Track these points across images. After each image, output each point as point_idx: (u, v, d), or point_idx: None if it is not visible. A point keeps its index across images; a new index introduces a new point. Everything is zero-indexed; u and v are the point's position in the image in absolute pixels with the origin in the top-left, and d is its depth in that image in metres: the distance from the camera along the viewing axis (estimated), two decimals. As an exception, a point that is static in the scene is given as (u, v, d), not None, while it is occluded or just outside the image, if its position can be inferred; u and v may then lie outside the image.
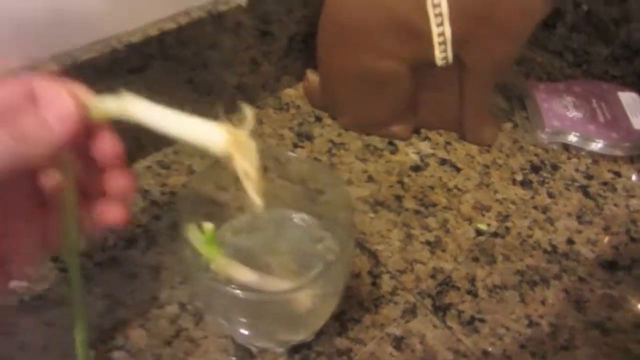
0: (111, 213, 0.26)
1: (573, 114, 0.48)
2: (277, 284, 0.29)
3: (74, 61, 0.37)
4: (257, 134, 0.48)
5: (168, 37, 0.40)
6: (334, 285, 0.31)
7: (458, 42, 0.39)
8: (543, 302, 0.38)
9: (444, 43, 0.39)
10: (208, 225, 0.29)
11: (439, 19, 0.37)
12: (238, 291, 0.27)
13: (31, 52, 0.37)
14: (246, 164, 0.24)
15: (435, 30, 0.38)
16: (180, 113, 0.25)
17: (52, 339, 0.34)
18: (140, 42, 0.39)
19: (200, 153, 0.46)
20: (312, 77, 0.48)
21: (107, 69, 0.39)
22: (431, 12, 0.37)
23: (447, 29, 0.38)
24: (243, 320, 0.31)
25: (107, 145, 0.25)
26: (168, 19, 0.41)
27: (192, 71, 0.44)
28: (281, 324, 0.31)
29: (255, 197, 0.25)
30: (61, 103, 0.22)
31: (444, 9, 0.37)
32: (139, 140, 0.45)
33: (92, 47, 0.38)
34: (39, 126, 0.22)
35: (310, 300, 0.29)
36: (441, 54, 0.40)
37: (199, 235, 0.29)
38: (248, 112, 0.25)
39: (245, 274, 0.29)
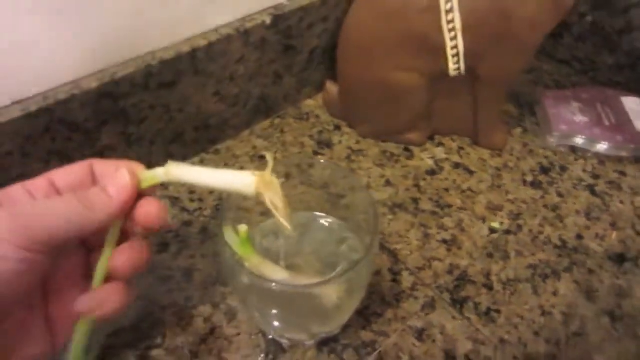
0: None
1: (580, 118, 0.50)
2: (305, 280, 0.32)
3: (112, 77, 0.41)
4: (280, 142, 0.51)
5: (199, 53, 0.43)
6: (359, 281, 0.33)
7: (471, 54, 0.41)
8: (555, 293, 0.40)
9: (457, 55, 0.41)
10: (243, 227, 0.32)
11: (452, 33, 0.40)
12: (273, 284, 0.30)
13: (76, 70, 0.40)
14: (274, 198, 0.28)
15: (449, 44, 0.41)
16: (213, 169, 0.29)
17: (91, 341, 0.36)
18: (173, 59, 0.43)
19: (225, 162, 0.50)
20: (332, 87, 0.51)
21: (142, 84, 0.42)
22: (445, 27, 0.40)
23: (460, 43, 0.40)
24: (276, 313, 0.33)
25: (153, 208, 0.28)
26: (199, 36, 0.44)
27: (219, 84, 0.47)
28: (311, 317, 0.33)
29: (284, 223, 0.29)
30: (119, 177, 0.27)
31: (457, 23, 0.39)
32: (168, 150, 0.48)
33: (129, 64, 0.42)
34: (103, 196, 0.26)
35: (338, 295, 0.32)
36: (454, 65, 0.42)
37: (234, 237, 0.32)
38: (268, 157, 0.28)
39: (276, 271, 0.32)
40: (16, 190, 0.27)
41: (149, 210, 0.28)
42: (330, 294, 0.31)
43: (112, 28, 0.40)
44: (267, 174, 0.29)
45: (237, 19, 0.45)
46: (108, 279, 0.28)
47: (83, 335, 0.28)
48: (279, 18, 0.46)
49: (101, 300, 0.27)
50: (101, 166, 0.29)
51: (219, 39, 0.43)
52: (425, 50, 0.41)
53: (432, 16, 0.39)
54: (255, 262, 0.32)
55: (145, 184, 0.29)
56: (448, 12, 0.39)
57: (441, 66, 0.43)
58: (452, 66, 0.42)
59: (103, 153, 0.44)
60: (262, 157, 0.38)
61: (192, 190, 0.47)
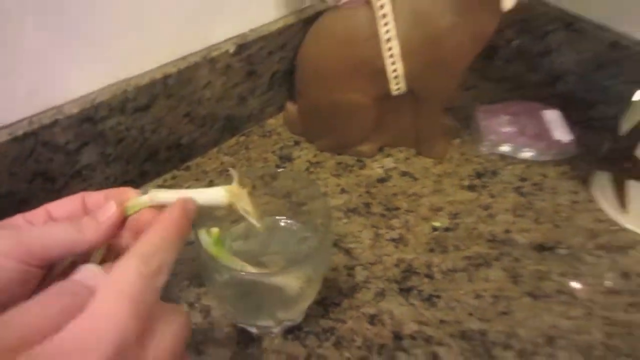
0: None
1: (507, 129, 0.58)
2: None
3: (92, 103, 0.45)
4: (245, 158, 0.57)
5: (170, 79, 0.49)
6: (316, 272, 0.39)
7: (409, 76, 0.48)
8: (486, 280, 0.46)
9: (397, 77, 0.48)
10: (214, 229, 0.37)
11: (392, 59, 0.47)
12: (243, 273, 0.35)
13: (57, 95, 0.44)
14: (244, 205, 0.33)
15: (390, 68, 0.47)
16: (189, 189, 0.33)
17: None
18: (147, 84, 0.48)
19: (195, 177, 0.54)
20: (291, 107, 0.57)
21: (119, 108, 0.47)
22: (386, 53, 0.46)
23: (400, 66, 0.47)
24: (246, 303, 0.39)
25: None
26: (170, 64, 0.49)
27: (189, 107, 0.52)
28: (277, 304, 0.39)
29: (255, 223, 0.34)
30: (107, 207, 0.30)
31: (396, 50, 0.46)
32: (142, 168, 0.52)
33: (106, 90, 0.46)
34: (93, 222, 0.29)
35: (299, 284, 0.38)
36: (396, 86, 0.49)
37: (208, 239, 0.37)
38: (233, 172, 0.33)
39: (245, 267, 0.37)
40: (17, 219, 0.30)
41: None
42: (293, 284, 0.37)
43: (90, 58, 0.45)
44: (235, 186, 0.34)
45: (203, 48, 0.51)
46: None
47: None
48: (242, 47, 0.52)
49: None
50: (92, 198, 0.32)
51: (187, 67, 0.49)
52: (371, 73, 0.48)
53: (375, 44, 0.46)
54: (226, 260, 0.37)
55: (131, 211, 0.32)
56: (387, 40, 0.45)
57: (385, 87, 0.49)
58: (393, 87, 0.49)
59: (81, 172, 0.48)
60: (228, 172, 0.43)
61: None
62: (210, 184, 0.34)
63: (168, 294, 0.44)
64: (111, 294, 0.23)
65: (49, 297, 0.24)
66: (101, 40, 0.44)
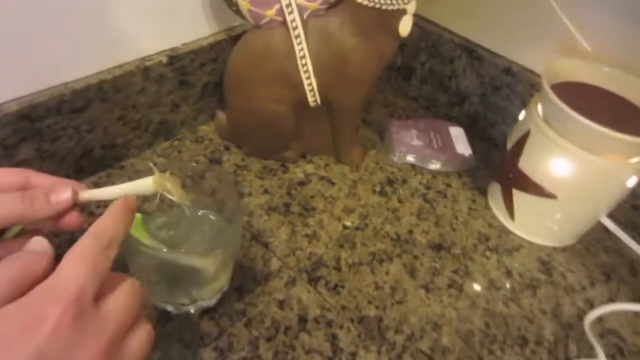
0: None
1: (415, 142, 0.65)
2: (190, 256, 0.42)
3: (30, 103, 0.49)
4: (177, 160, 0.61)
5: (105, 84, 0.53)
6: (227, 255, 0.44)
7: (322, 89, 0.54)
8: (387, 273, 0.52)
9: (312, 90, 0.54)
10: (138, 215, 0.41)
11: (307, 74, 0.53)
12: (164, 250, 0.40)
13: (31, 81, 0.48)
14: (170, 190, 0.38)
15: (305, 82, 0.53)
16: (119, 185, 0.37)
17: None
18: (82, 88, 0.52)
19: (129, 175, 0.58)
20: (221, 115, 0.62)
21: (56, 108, 0.51)
22: (301, 68, 0.52)
23: (314, 80, 0.53)
24: (166, 282, 0.43)
25: (74, 218, 0.35)
26: (105, 71, 0.53)
27: (123, 110, 0.56)
28: (194, 283, 0.43)
29: (180, 201, 0.39)
30: (63, 191, 0.34)
31: (309, 66, 0.52)
32: (78, 164, 0.56)
33: (44, 92, 0.50)
34: (44, 201, 0.33)
35: (214, 267, 0.43)
36: (312, 98, 0.55)
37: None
38: (152, 166, 0.38)
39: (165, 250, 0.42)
40: None
41: (71, 219, 0.35)
42: (208, 265, 0.42)
43: (30, 63, 0.48)
44: (157, 175, 0.38)
45: (138, 58, 0.55)
46: None
47: None
48: (174, 58, 0.57)
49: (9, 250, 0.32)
50: (39, 179, 0.35)
51: (122, 74, 0.53)
52: (289, 85, 0.54)
53: (291, 60, 0.52)
54: (148, 243, 0.41)
55: (80, 201, 0.35)
56: (302, 57, 0.51)
57: (302, 98, 0.55)
58: (310, 99, 0.55)
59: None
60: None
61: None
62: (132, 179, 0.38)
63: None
64: (73, 258, 0.28)
65: (2, 267, 0.28)
66: (40, 46, 0.48)
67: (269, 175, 0.61)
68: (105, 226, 0.31)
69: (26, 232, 0.35)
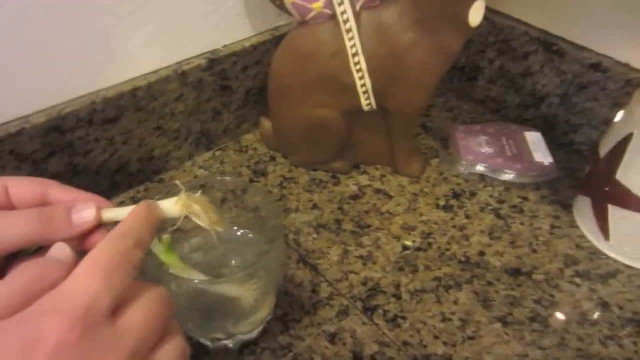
0: None
1: (485, 150, 0.57)
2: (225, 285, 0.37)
3: (59, 113, 0.45)
4: (220, 172, 0.56)
5: (139, 91, 0.49)
6: (270, 283, 0.38)
7: (378, 92, 0.48)
8: (456, 302, 0.45)
9: (367, 92, 0.48)
10: (166, 236, 0.36)
11: (360, 74, 0.46)
12: (196, 281, 0.34)
13: (23, 105, 0.45)
14: (199, 213, 0.32)
15: (358, 83, 0.47)
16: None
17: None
18: (115, 97, 0.48)
19: (167, 192, 0.54)
20: (266, 123, 0.57)
21: (87, 119, 0.47)
22: (353, 68, 0.46)
23: (368, 81, 0.47)
24: (199, 315, 0.38)
25: (101, 238, 0.30)
26: (140, 77, 0.49)
27: (160, 119, 0.52)
28: (231, 316, 0.38)
29: (213, 228, 0.33)
30: (86, 209, 0.29)
31: (363, 65, 0.46)
32: (114, 180, 0.52)
33: (74, 102, 0.47)
34: (65, 222, 0.28)
35: (254, 297, 0.37)
36: (366, 101, 0.49)
37: (159, 246, 0.36)
38: (179, 184, 0.32)
39: (198, 276, 0.36)
40: None
41: (97, 240, 0.29)
42: (247, 295, 0.36)
43: (58, 70, 0.45)
44: (184, 196, 0.33)
45: (175, 62, 0.51)
46: None
47: None
48: (214, 61, 0.52)
49: None
50: (59, 192, 0.31)
51: (158, 80, 0.49)
52: (339, 89, 0.48)
53: (342, 59, 0.46)
54: (178, 269, 0.36)
55: (105, 220, 0.30)
56: (354, 55, 0.45)
57: (355, 102, 0.49)
58: (364, 102, 0.48)
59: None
60: (202, 187, 0.43)
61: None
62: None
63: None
64: (88, 265, 0.24)
65: (15, 275, 0.24)
66: (68, 51, 0.44)
67: (318, 189, 0.55)
68: (127, 228, 0.27)
69: (46, 248, 0.30)
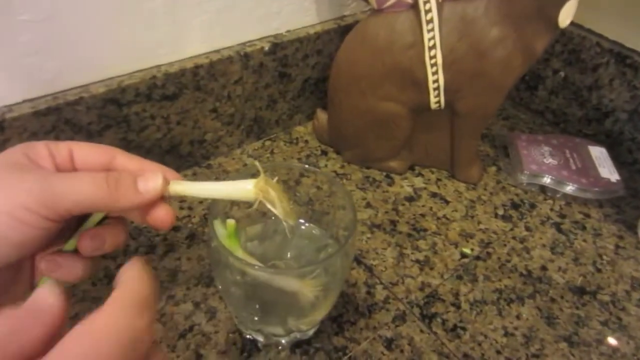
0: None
1: (549, 160, 0.54)
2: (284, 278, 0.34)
3: (119, 85, 0.44)
4: (269, 162, 0.54)
5: (201, 70, 0.47)
6: (333, 281, 0.35)
7: (450, 89, 0.45)
8: (518, 317, 0.42)
9: (437, 89, 0.45)
10: (230, 221, 0.34)
11: (434, 68, 0.44)
12: (258, 267, 0.32)
13: (84, 75, 0.43)
14: (274, 200, 0.30)
15: (430, 78, 0.45)
16: (214, 182, 0.30)
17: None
18: (176, 73, 0.46)
19: (216, 176, 0.52)
20: (322, 115, 0.55)
21: (146, 93, 0.45)
22: (428, 62, 0.44)
23: (441, 77, 0.44)
24: (255, 305, 0.35)
25: (165, 213, 0.29)
26: (202, 55, 0.47)
27: (217, 101, 0.50)
28: (288, 311, 0.35)
29: (286, 220, 0.31)
30: (153, 178, 0.27)
31: (439, 59, 0.43)
32: (163, 160, 0.50)
33: (135, 75, 0.45)
34: (132, 189, 0.27)
35: (314, 293, 0.34)
36: (435, 99, 0.46)
37: (223, 230, 0.34)
38: (257, 164, 0.30)
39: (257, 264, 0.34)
40: (41, 149, 0.27)
41: (160, 215, 0.28)
42: (307, 291, 0.34)
43: (120, 41, 0.43)
44: (262, 178, 0.31)
45: (238, 43, 0.49)
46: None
47: None
48: (277, 46, 0.50)
49: (62, 264, 0.27)
50: (125, 160, 0.29)
51: (220, 59, 0.47)
52: (410, 83, 0.45)
53: (416, 52, 0.44)
54: (240, 254, 0.34)
55: (172, 192, 0.29)
56: (431, 48, 0.43)
57: (423, 99, 0.46)
58: (432, 99, 0.46)
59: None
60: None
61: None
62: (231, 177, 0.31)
63: (174, 292, 0.41)
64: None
65: None
66: (132, 25, 0.43)
67: (371, 187, 0.53)
68: (138, 292, 0.22)
69: (110, 220, 0.29)
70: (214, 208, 0.35)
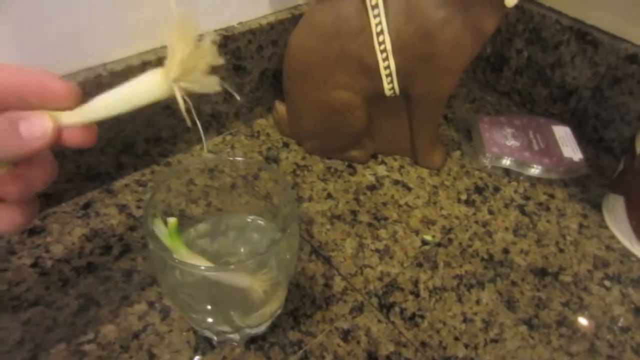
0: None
1: (511, 142, 0.54)
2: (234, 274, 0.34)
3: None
4: (230, 157, 0.54)
5: (149, 67, 0.46)
6: (280, 270, 0.35)
7: (402, 75, 0.45)
8: (478, 302, 0.42)
9: (390, 75, 0.45)
10: (171, 219, 0.33)
11: (384, 54, 0.43)
12: (202, 267, 0.31)
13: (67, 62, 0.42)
14: (193, 80, 0.25)
15: (381, 64, 0.44)
16: (116, 88, 0.25)
17: (27, 335, 0.37)
18: (123, 69, 0.45)
19: (176, 175, 0.51)
20: (280, 107, 0.54)
21: (92, 93, 0.44)
22: (377, 47, 0.43)
23: (392, 63, 0.44)
24: (206, 306, 0.35)
25: (79, 136, 0.25)
26: (150, 51, 0.46)
27: (170, 98, 0.49)
28: (238, 308, 0.35)
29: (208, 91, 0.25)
30: (38, 121, 0.23)
31: (388, 45, 0.43)
32: (119, 160, 0.49)
33: (79, 74, 0.44)
34: (13, 136, 0.22)
35: (263, 289, 0.34)
36: (389, 85, 0.45)
37: (164, 229, 0.33)
38: (172, 4, 0.23)
39: (205, 264, 0.34)
40: None
41: (76, 139, 0.25)
42: (256, 286, 0.33)
43: (66, 42, 0.42)
44: (174, 60, 0.24)
45: (187, 37, 0.48)
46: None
47: None
48: (228, 39, 0.49)
49: None
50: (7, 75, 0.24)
51: (165, 56, 0.46)
52: (362, 70, 0.44)
53: (365, 38, 0.43)
54: (183, 254, 0.33)
55: (63, 126, 0.24)
56: (379, 34, 0.42)
57: (377, 86, 0.46)
58: (386, 86, 0.45)
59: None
60: (210, 170, 0.39)
61: (140, 198, 0.49)
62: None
63: (127, 293, 0.40)
64: None
65: None
66: (77, 22, 0.42)
67: (333, 177, 0.52)
68: None
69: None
70: (152, 205, 0.34)
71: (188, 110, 0.25)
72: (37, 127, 0.23)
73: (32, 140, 0.23)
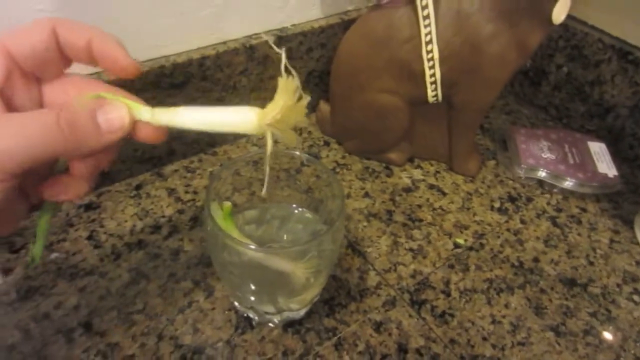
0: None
1: (547, 155, 0.55)
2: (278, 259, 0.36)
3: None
4: (272, 151, 0.56)
5: (207, 60, 0.49)
6: (324, 263, 0.37)
7: (446, 83, 0.47)
8: (507, 306, 0.43)
9: (434, 83, 0.47)
10: (227, 204, 0.36)
11: (431, 62, 0.45)
12: (252, 247, 0.34)
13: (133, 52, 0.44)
14: (280, 131, 0.26)
15: (427, 72, 0.46)
16: (210, 108, 0.26)
17: (82, 302, 0.40)
18: (184, 63, 0.48)
19: (220, 163, 0.54)
20: (324, 107, 0.56)
21: (154, 82, 0.47)
22: (425, 56, 0.45)
23: (438, 72, 0.46)
24: (251, 285, 0.37)
25: (151, 132, 0.26)
26: (209, 46, 0.49)
27: (223, 91, 0.52)
28: (282, 290, 0.37)
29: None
30: (116, 112, 0.23)
31: (435, 54, 0.44)
32: (170, 147, 0.52)
33: (144, 64, 0.47)
34: (93, 129, 0.23)
35: (306, 275, 0.36)
36: (432, 92, 0.47)
37: (219, 212, 0.36)
38: (283, 55, 0.25)
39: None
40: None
41: (148, 134, 0.26)
42: (299, 272, 0.35)
43: (131, 32, 0.45)
44: (275, 105, 0.25)
45: (244, 35, 0.51)
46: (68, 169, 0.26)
47: (44, 231, 0.28)
48: (282, 39, 0.52)
49: (68, 184, 0.26)
50: (100, 45, 0.24)
51: (226, 51, 0.49)
52: (407, 76, 0.47)
53: (413, 46, 0.45)
54: (235, 235, 0.36)
55: (137, 117, 0.26)
56: (427, 43, 0.44)
57: (421, 92, 0.48)
58: (430, 93, 0.47)
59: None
60: (255, 162, 0.41)
61: (188, 183, 0.51)
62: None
63: (174, 270, 0.43)
64: None
65: None
66: (140, 17, 0.45)
67: (370, 177, 0.54)
68: None
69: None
70: (211, 189, 0.37)
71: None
72: (116, 120, 0.24)
73: (110, 133, 0.23)
